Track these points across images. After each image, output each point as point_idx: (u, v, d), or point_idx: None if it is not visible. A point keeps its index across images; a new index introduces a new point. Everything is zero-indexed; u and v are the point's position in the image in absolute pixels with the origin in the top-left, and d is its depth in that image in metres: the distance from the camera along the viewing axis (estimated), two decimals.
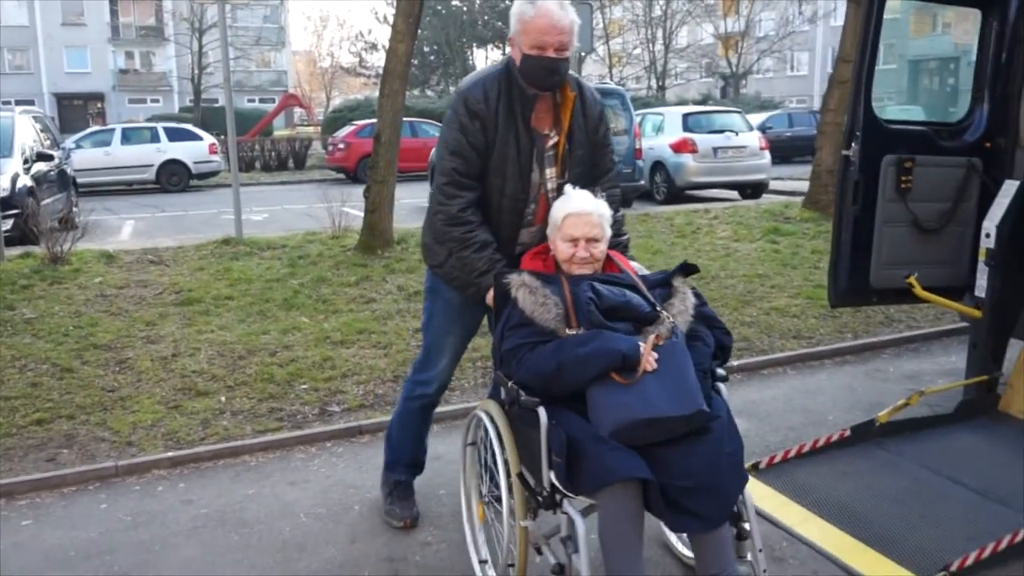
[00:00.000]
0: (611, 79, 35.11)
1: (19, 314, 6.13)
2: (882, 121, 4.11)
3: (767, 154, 15.01)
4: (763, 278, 7.21)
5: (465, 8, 39.94)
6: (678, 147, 14.29)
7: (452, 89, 37.26)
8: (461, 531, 3.13)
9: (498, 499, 2.63)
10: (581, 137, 2.87)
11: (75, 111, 46.08)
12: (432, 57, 40.18)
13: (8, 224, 9.06)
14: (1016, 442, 3.82)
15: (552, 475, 2.37)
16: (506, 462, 2.58)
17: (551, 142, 2.85)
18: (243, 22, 43.81)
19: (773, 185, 15.45)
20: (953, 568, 2.84)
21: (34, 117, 12.49)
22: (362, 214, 8.59)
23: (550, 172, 2.85)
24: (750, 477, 2.62)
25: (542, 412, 2.37)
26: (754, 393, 4.74)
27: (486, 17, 39.68)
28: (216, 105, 38.76)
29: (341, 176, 21.29)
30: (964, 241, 4.31)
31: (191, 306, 6.36)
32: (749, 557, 2.42)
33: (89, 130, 22.65)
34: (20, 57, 47.14)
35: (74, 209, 12.02)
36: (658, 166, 14.56)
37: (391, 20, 9.30)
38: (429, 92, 38.64)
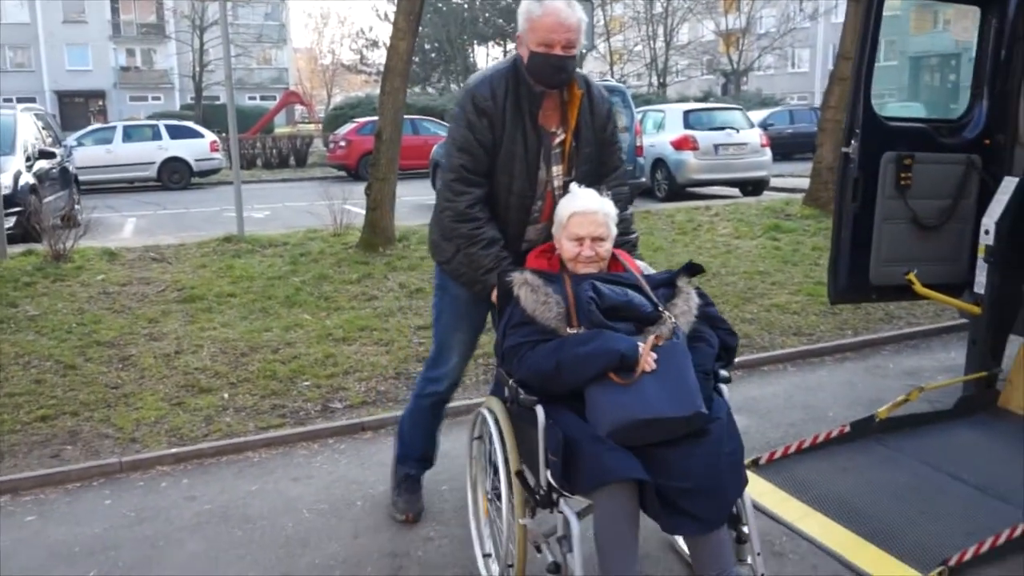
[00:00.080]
0: (612, 76, 35.06)
1: (22, 311, 6.15)
2: (881, 118, 4.13)
3: (768, 151, 15.00)
4: (764, 275, 7.23)
5: (466, 5, 39.90)
6: (679, 144, 14.29)
7: (453, 86, 37.32)
8: (463, 527, 3.15)
9: (500, 496, 2.64)
10: (588, 135, 2.87)
11: (76, 109, 46.06)
12: (433, 54, 40.15)
13: (11, 221, 9.06)
14: (1015, 438, 3.84)
15: (548, 474, 2.37)
16: (506, 460, 2.58)
17: (558, 140, 2.85)
18: (244, 19, 43.80)
19: (774, 182, 15.44)
20: (952, 563, 2.85)
21: (36, 115, 12.49)
22: (363, 211, 8.60)
23: (557, 170, 2.86)
24: (750, 473, 2.62)
25: (540, 411, 2.37)
26: (754, 389, 4.76)
27: (487, 14, 39.65)
28: (217, 103, 38.78)
29: (342, 174, 21.30)
30: (963, 238, 4.32)
31: (193, 303, 6.38)
32: (749, 560, 2.40)
33: (91, 128, 22.64)
34: (21, 55, 47.16)
35: (76, 207, 12.07)
36: (659, 163, 14.56)
37: (392, 17, 9.32)
38: (430, 89, 38.60)
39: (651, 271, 2.76)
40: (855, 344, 5.49)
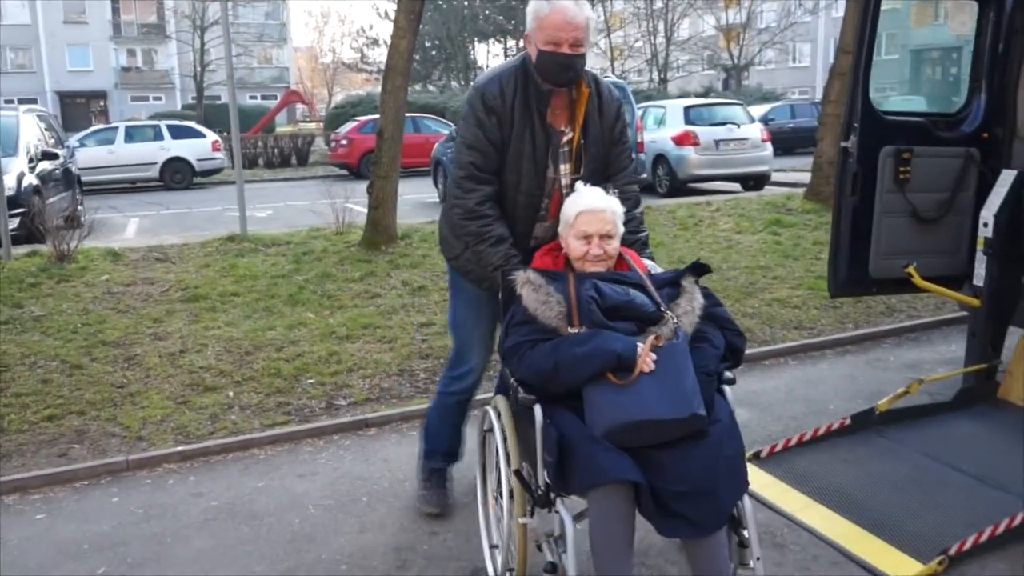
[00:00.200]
0: (613, 72, 35.03)
1: (27, 312, 6.19)
2: (880, 112, 4.15)
3: (769, 146, 14.99)
4: (765, 269, 7.25)
5: (466, 3, 39.88)
6: (680, 140, 14.30)
7: (454, 84, 37.31)
8: (468, 521, 3.19)
9: (502, 494, 2.65)
10: (596, 133, 2.87)
11: (77, 109, 46.13)
12: (434, 52, 40.15)
13: (15, 223, 9.10)
14: (1015, 429, 3.86)
15: (545, 473, 2.37)
16: (508, 458, 2.59)
17: (566, 138, 2.86)
18: (244, 19, 43.77)
19: (775, 177, 15.43)
20: (952, 552, 2.87)
21: (38, 116, 12.53)
22: (365, 210, 8.63)
23: (564, 168, 2.86)
24: (751, 466, 2.61)
25: (537, 410, 2.36)
26: (756, 383, 4.78)
27: (487, 12, 39.62)
28: (219, 102, 38.82)
29: (344, 172, 21.33)
30: (962, 231, 4.34)
31: (197, 303, 6.42)
32: (751, 564, 2.34)
33: (93, 128, 22.67)
34: (22, 56, 47.23)
35: (79, 207, 12.11)
36: (660, 159, 14.57)
37: (392, 16, 9.33)
38: (431, 87, 38.58)
39: (659, 270, 2.73)
40: (856, 337, 5.52)
